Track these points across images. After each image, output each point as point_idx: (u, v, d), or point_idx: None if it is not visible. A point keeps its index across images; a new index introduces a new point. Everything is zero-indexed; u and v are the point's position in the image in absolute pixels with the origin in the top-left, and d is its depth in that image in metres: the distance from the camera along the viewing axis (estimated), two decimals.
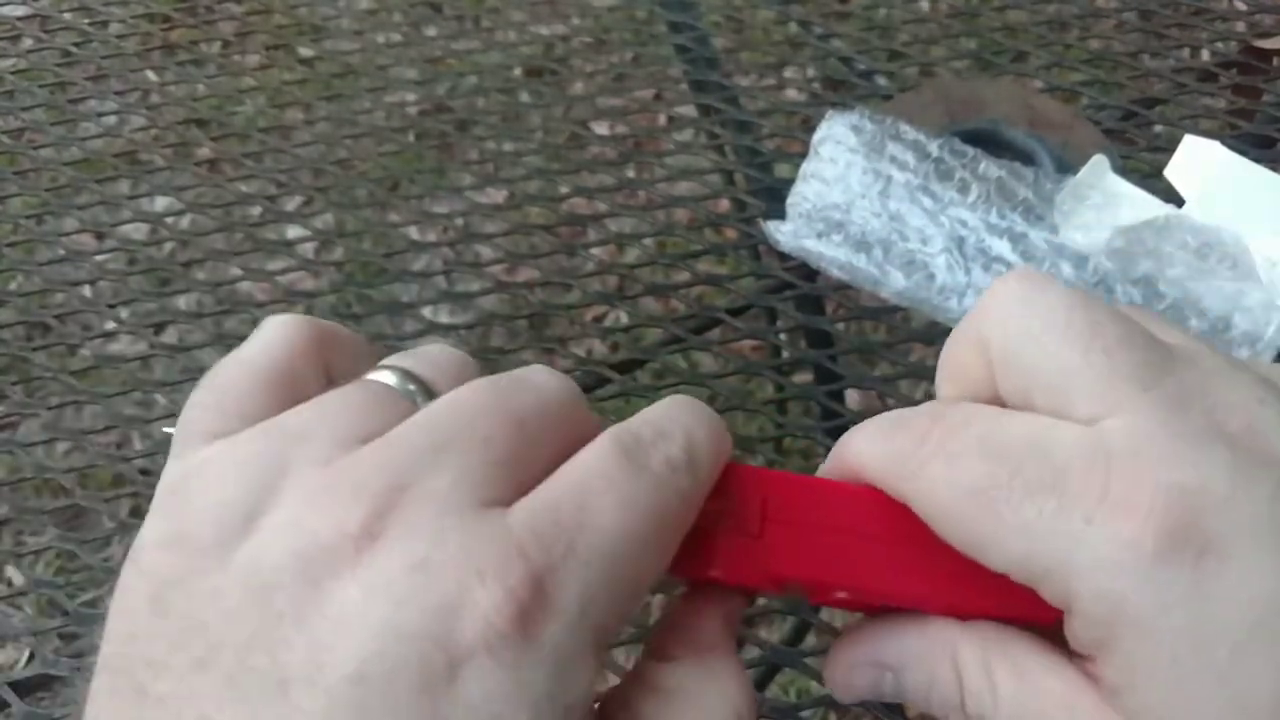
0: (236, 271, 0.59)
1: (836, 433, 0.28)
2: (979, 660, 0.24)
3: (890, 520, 0.25)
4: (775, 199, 0.58)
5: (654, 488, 0.23)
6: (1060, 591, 0.22)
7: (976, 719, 0.24)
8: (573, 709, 0.21)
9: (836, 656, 0.26)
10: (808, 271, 0.56)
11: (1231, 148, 0.56)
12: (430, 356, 0.26)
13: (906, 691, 0.25)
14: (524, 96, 0.69)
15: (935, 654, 0.24)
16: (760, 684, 0.79)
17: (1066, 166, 0.56)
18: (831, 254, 0.54)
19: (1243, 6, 0.71)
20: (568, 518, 0.21)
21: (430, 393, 0.25)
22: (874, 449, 0.25)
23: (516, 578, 0.20)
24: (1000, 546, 0.22)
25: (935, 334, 0.54)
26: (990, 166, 0.54)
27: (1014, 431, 0.23)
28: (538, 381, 0.25)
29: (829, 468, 0.27)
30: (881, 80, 0.66)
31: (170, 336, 1.09)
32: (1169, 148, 0.56)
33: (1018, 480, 0.22)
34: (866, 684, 0.26)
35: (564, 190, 0.64)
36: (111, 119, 0.71)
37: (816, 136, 0.57)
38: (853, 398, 1.05)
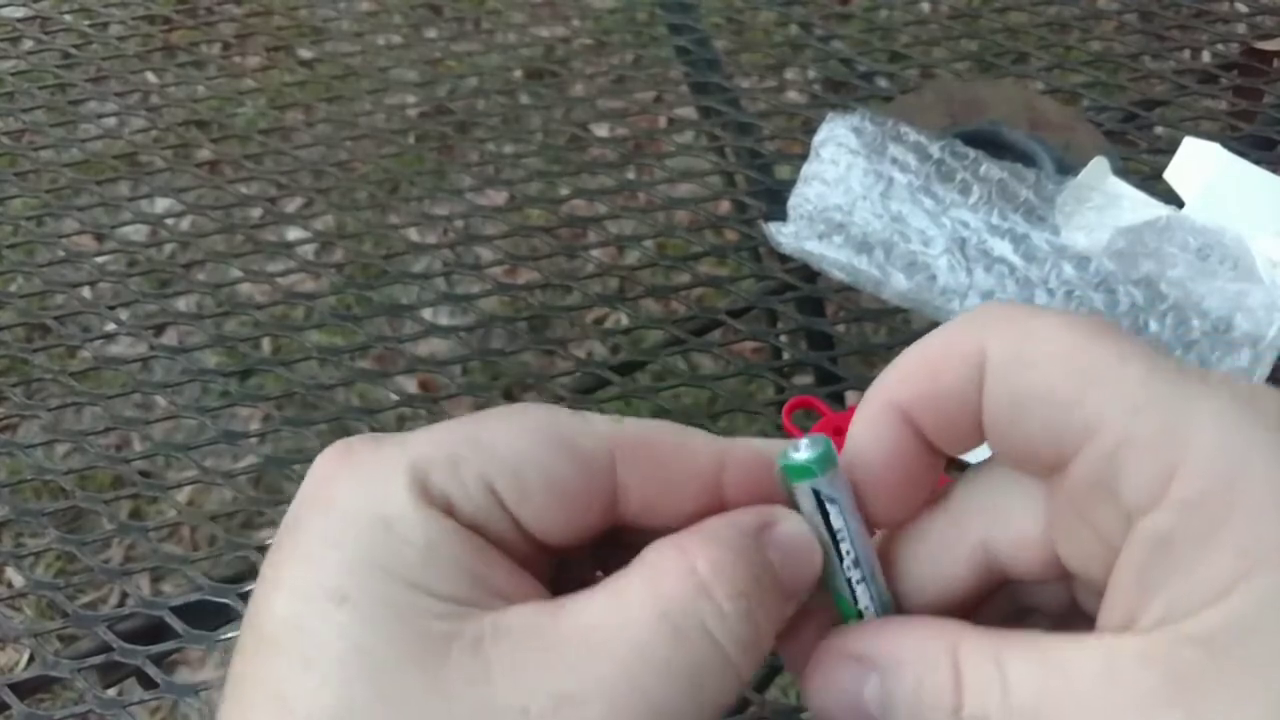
0: (237, 273, 0.59)
1: None
2: (987, 652, 0.22)
3: None
4: (776, 201, 0.58)
5: None
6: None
7: None
8: None
9: (816, 658, 0.24)
10: (809, 273, 0.56)
11: (1232, 149, 0.56)
12: None
13: (894, 698, 0.23)
14: (524, 98, 0.69)
15: (930, 651, 0.23)
16: (760, 686, 0.79)
17: (1067, 168, 0.56)
18: (833, 255, 0.54)
19: (1244, 8, 0.71)
20: None
21: None
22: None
23: None
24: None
25: None
26: (991, 168, 0.54)
27: None
28: None
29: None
30: (882, 82, 0.66)
31: (170, 338, 1.09)
32: (1169, 150, 0.56)
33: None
34: (847, 685, 0.23)
35: (564, 192, 0.64)
36: (111, 121, 0.71)
37: (817, 138, 0.57)
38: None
